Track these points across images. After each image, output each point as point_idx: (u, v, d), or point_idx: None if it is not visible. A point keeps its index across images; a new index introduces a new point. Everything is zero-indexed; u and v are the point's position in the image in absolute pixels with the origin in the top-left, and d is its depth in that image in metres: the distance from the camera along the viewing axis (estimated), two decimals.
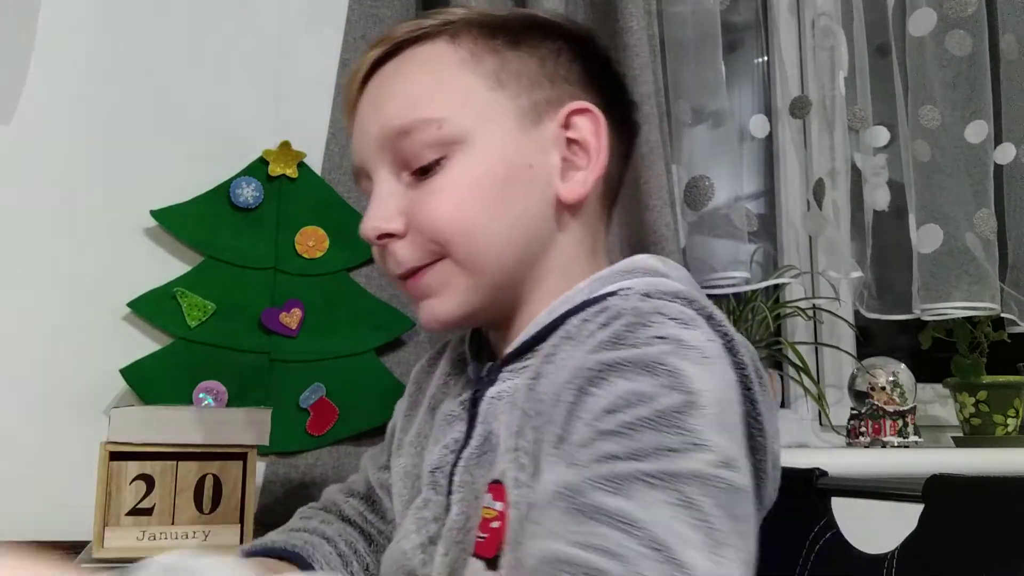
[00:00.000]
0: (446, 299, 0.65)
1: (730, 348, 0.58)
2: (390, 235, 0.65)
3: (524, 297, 0.67)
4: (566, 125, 0.67)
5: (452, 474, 0.65)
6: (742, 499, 0.49)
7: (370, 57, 0.68)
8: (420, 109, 0.64)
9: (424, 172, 0.64)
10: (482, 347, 0.73)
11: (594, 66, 0.70)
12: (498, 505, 0.59)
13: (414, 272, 0.66)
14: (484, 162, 0.64)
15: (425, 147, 0.64)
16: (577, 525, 0.46)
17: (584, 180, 0.66)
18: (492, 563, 0.58)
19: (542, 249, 0.67)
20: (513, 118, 0.65)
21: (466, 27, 0.67)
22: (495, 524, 0.59)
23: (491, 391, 0.65)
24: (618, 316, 0.57)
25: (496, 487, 0.60)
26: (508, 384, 0.65)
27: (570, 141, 0.67)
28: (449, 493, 0.65)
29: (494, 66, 0.65)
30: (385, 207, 0.65)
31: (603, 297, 0.62)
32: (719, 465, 0.48)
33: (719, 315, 0.60)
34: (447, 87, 0.65)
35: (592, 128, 0.67)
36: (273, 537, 0.75)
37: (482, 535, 0.60)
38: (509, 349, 0.66)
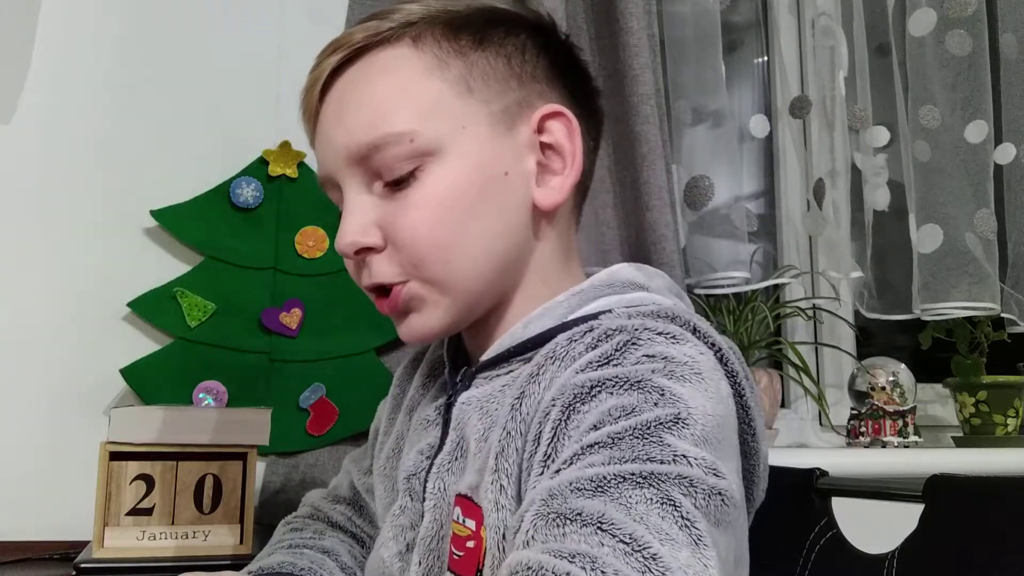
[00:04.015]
0: (425, 316, 0.64)
1: (720, 358, 0.58)
2: (368, 248, 0.63)
3: (503, 303, 0.66)
4: (540, 129, 0.65)
5: (426, 481, 0.64)
6: (727, 507, 0.48)
7: (329, 64, 0.64)
8: (389, 123, 0.61)
9: (398, 183, 0.62)
10: (459, 350, 0.72)
11: (559, 58, 0.68)
12: (470, 523, 0.58)
13: (388, 289, 0.64)
14: (460, 173, 0.62)
15: (398, 160, 0.61)
16: (553, 531, 0.45)
17: (560, 186, 0.65)
18: None
19: (520, 257, 0.66)
20: (485, 124, 0.63)
21: (428, 28, 0.64)
22: (470, 544, 0.58)
23: (463, 396, 0.65)
24: (607, 336, 0.56)
25: (465, 502, 0.59)
26: (479, 390, 0.64)
27: (544, 145, 0.65)
28: (423, 500, 0.64)
29: (461, 70, 0.63)
30: (360, 220, 0.63)
31: (587, 317, 0.61)
32: (705, 472, 0.48)
33: (703, 326, 0.59)
34: (415, 97, 0.62)
35: (566, 132, 0.65)
36: (280, 558, 0.74)
37: (457, 552, 0.59)
38: (485, 357, 0.65)
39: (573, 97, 0.68)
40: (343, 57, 0.64)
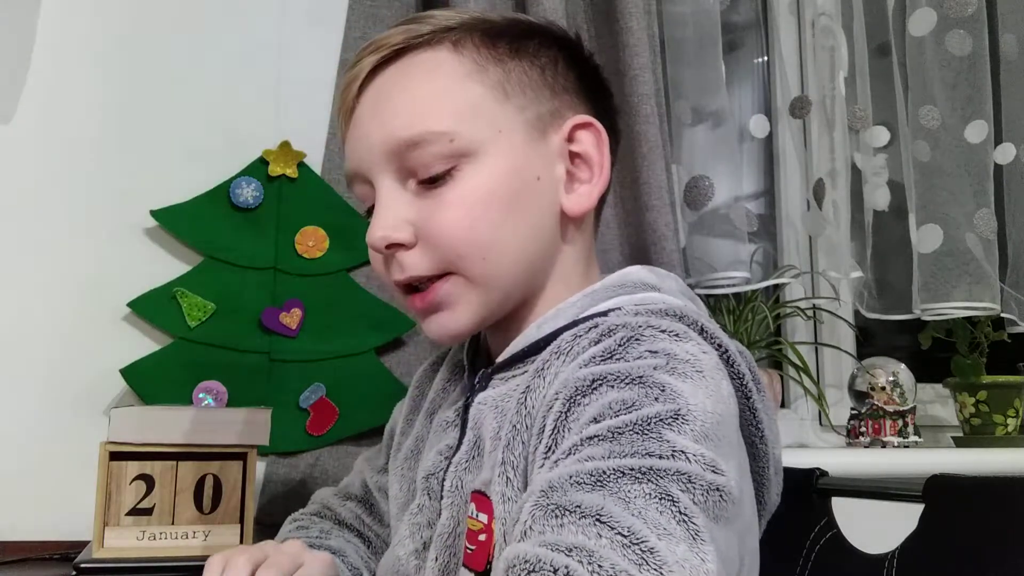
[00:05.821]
0: (457, 313, 0.65)
1: (726, 359, 0.59)
2: (398, 244, 0.65)
3: (525, 306, 0.68)
4: (570, 138, 0.67)
5: (443, 479, 0.65)
6: (726, 504, 0.49)
7: (368, 63, 0.67)
8: (429, 121, 0.63)
9: (432, 182, 0.64)
10: (479, 353, 0.74)
11: (587, 74, 0.71)
12: (483, 517, 0.59)
13: (420, 287, 0.65)
14: (495, 175, 0.64)
15: (435, 159, 0.63)
16: (550, 523, 0.45)
17: (589, 194, 0.67)
18: None
19: (547, 260, 0.67)
20: (521, 130, 0.65)
21: (468, 34, 0.66)
22: (482, 537, 0.59)
23: (480, 397, 0.66)
24: (610, 332, 0.57)
25: (480, 497, 0.60)
26: (495, 391, 0.65)
27: (572, 155, 0.67)
28: (441, 498, 0.65)
29: (499, 77, 0.65)
30: (392, 216, 0.64)
31: (596, 315, 0.62)
32: (703, 469, 0.48)
33: (711, 326, 0.60)
34: (455, 98, 0.64)
35: (595, 142, 0.67)
36: None
37: (470, 547, 0.60)
38: (501, 358, 0.67)
39: (599, 113, 0.70)
40: (382, 57, 0.66)
